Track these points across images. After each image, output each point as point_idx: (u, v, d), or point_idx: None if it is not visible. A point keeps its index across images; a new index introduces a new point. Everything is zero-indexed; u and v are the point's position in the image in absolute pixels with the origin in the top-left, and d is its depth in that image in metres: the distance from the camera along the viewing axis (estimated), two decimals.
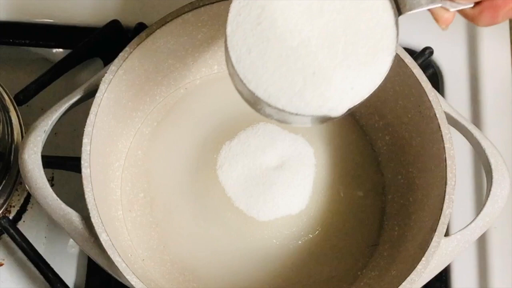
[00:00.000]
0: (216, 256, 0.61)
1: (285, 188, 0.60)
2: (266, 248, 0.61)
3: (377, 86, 0.46)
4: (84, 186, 0.52)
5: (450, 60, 0.72)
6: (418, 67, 0.57)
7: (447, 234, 0.53)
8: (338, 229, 0.62)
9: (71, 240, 0.66)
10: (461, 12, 0.47)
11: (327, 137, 0.64)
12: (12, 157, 0.65)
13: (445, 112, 0.56)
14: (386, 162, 0.63)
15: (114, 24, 0.70)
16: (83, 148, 0.53)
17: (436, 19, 0.48)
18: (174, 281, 0.60)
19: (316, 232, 0.61)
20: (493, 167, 0.56)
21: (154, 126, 0.65)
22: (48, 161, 0.60)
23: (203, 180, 0.62)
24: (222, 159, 0.61)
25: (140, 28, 0.67)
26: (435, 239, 0.52)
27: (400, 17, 0.46)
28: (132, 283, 0.51)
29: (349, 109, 0.46)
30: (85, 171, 0.53)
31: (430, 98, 0.56)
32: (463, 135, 0.58)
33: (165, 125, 0.65)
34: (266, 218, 0.60)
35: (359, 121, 0.65)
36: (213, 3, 0.58)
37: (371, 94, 0.46)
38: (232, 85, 0.47)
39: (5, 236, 0.65)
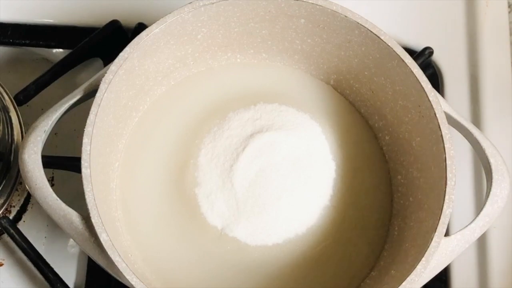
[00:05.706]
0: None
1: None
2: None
3: None
4: (84, 186, 0.52)
5: (450, 60, 0.72)
6: (418, 67, 0.57)
7: (447, 234, 0.53)
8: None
9: (71, 240, 0.66)
10: None
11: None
12: (12, 157, 0.65)
13: (445, 112, 0.56)
14: (386, 162, 0.63)
15: (114, 24, 0.70)
16: (83, 148, 0.53)
17: None
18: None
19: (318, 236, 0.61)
20: (493, 167, 0.56)
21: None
22: (48, 161, 0.60)
23: None
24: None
25: (140, 28, 0.67)
26: (435, 239, 0.52)
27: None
28: (132, 283, 0.51)
29: None
30: (85, 171, 0.52)
31: (430, 98, 0.56)
32: (463, 135, 0.58)
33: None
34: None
35: None
36: (213, 3, 0.58)
37: None
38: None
39: (5, 236, 0.65)
